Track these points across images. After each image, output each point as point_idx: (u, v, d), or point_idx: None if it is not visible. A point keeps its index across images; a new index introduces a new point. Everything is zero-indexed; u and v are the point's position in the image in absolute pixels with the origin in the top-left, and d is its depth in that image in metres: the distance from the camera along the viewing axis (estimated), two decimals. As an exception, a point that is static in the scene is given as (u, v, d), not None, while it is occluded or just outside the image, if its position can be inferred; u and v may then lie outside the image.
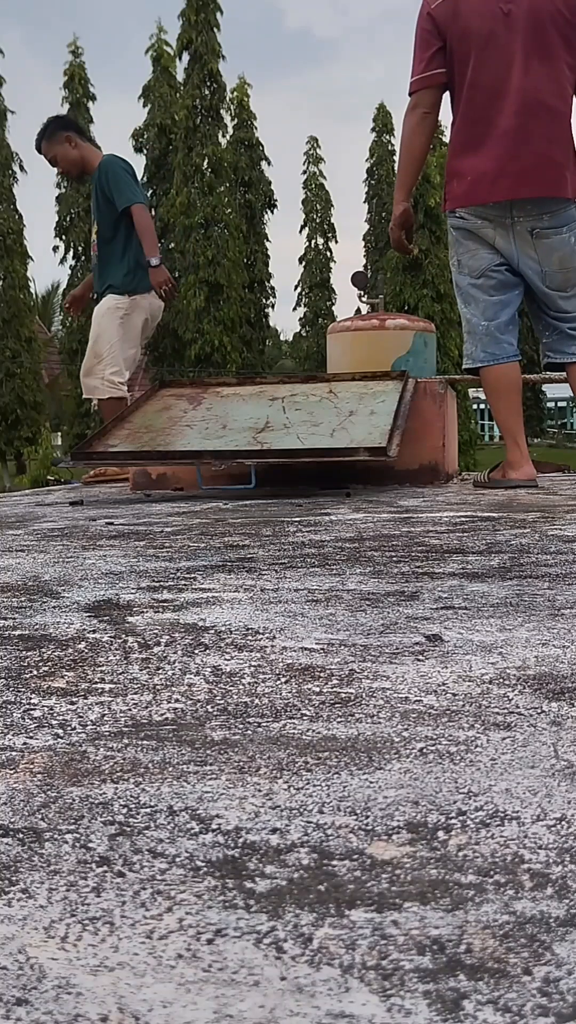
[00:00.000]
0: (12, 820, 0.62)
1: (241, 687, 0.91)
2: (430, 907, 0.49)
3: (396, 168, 3.74)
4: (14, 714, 0.85)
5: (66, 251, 24.11)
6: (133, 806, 0.63)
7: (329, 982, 0.43)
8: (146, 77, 24.81)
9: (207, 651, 1.06)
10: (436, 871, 0.53)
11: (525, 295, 3.59)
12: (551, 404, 39.41)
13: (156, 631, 1.17)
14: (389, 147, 29.68)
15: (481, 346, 3.56)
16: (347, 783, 0.66)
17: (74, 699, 0.89)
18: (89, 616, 1.27)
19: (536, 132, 3.37)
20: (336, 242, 30.28)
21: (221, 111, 23.14)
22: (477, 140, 3.43)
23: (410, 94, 3.50)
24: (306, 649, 1.06)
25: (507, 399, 3.60)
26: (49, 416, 24.39)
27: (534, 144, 3.37)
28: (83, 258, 23.94)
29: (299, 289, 29.82)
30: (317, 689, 0.90)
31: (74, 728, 0.80)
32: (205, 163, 22.60)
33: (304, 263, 29.71)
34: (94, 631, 1.18)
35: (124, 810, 0.63)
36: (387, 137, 29.81)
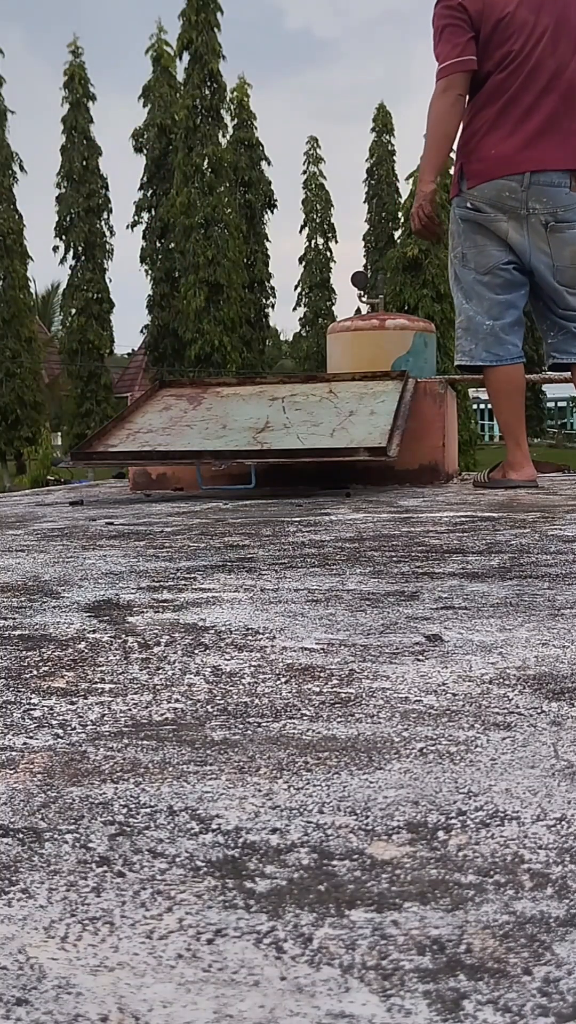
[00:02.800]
0: (12, 820, 0.62)
1: (241, 687, 0.91)
2: (430, 907, 0.49)
3: (423, 149, 3.58)
4: (14, 714, 0.85)
5: (66, 251, 24.12)
6: (133, 806, 0.63)
7: (329, 982, 0.43)
8: (146, 77, 24.87)
9: (207, 651, 1.06)
10: (436, 871, 0.53)
11: (531, 293, 3.58)
12: (551, 404, 39.42)
13: (156, 631, 1.17)
14: (389, 147, 29.71)
15: (484, 345, 3.54)
16: (347, 783, 0.66)
17: (74, 699, 0.89)
18: (89, 616, 1.27)
19: (566, 112, 3.41)
20: (336, 242, 30.32)
21: (221, 111, 23.17)
22: (503, 120, 3.42)
23: (442, 77, 3.46)
24: (306, 649, 1.06)
25: (510, 400, 3.59)
26: (49, 416, 24.39)
27: (564, 122, 3.41)
28: (83, 258, 23.95)
29: (299, 289, 29.84)
30: (317, 689, 0.90)
31: (74, 728, 0.80)
32: (205, 163, 22.62)
33: (304, 263, 29.73)
34: (94, 631, 1.18)
35: (124, 810, 0.63)
36: (387, 137, 29.84)
